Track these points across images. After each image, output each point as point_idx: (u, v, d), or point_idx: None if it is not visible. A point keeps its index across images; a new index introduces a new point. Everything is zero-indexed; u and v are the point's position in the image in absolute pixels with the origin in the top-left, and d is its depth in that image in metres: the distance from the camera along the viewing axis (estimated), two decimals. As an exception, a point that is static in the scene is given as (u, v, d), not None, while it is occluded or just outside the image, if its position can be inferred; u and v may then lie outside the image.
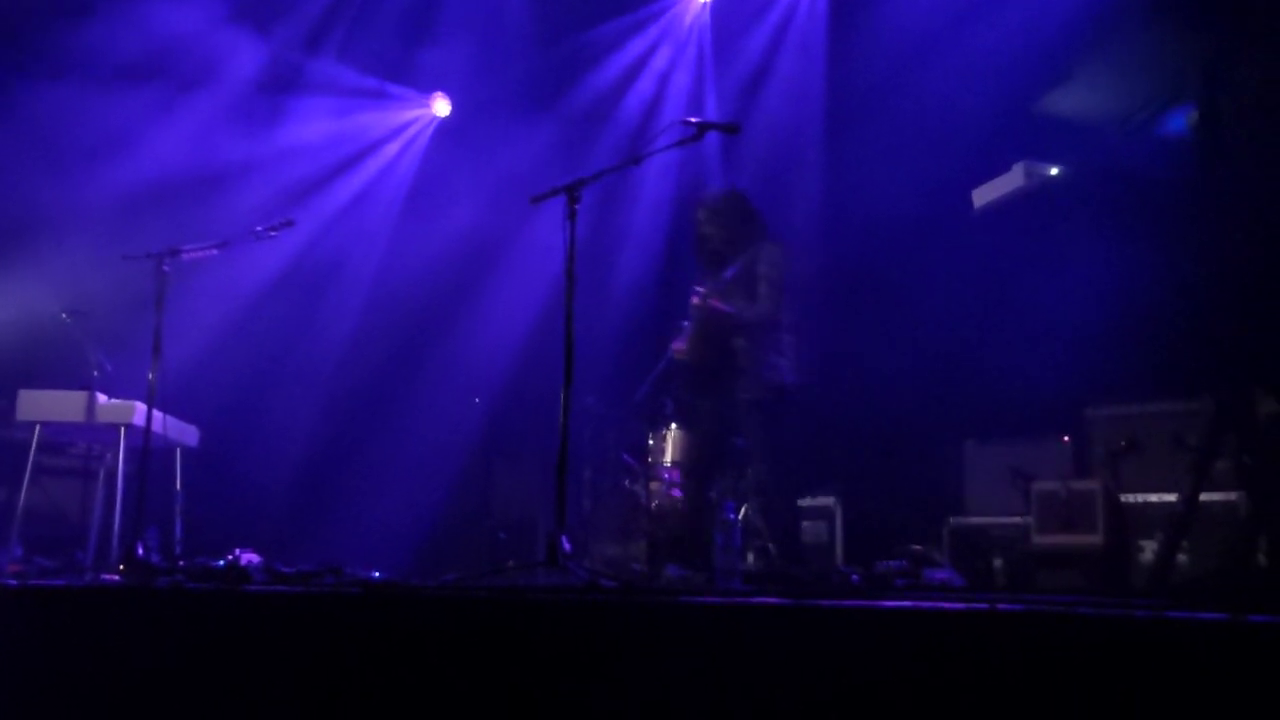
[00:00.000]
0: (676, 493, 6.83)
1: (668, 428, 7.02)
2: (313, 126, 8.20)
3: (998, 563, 5.55)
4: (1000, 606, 2.23)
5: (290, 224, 5.41)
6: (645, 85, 8.23)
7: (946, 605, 2.30)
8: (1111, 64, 6.10)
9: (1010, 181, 6.17)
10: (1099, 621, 2.06)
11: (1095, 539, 5.09)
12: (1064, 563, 5.14)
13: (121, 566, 4.80)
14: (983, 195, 6.30)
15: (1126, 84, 6.03)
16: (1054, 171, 6.16)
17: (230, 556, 5.24)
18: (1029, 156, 6.16)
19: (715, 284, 5.22)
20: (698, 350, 5.29)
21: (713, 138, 5.59)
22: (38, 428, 5.80)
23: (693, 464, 5.50)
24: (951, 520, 5.84)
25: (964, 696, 2.17)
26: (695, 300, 5.20)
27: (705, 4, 8.06)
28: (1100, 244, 5.66)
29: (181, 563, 5.14)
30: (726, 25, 8.01)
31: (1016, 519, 5.54)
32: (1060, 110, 6.32)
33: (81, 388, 5.81)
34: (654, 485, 6.88)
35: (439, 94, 8.58)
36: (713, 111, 7.91)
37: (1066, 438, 5.70)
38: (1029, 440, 5.82)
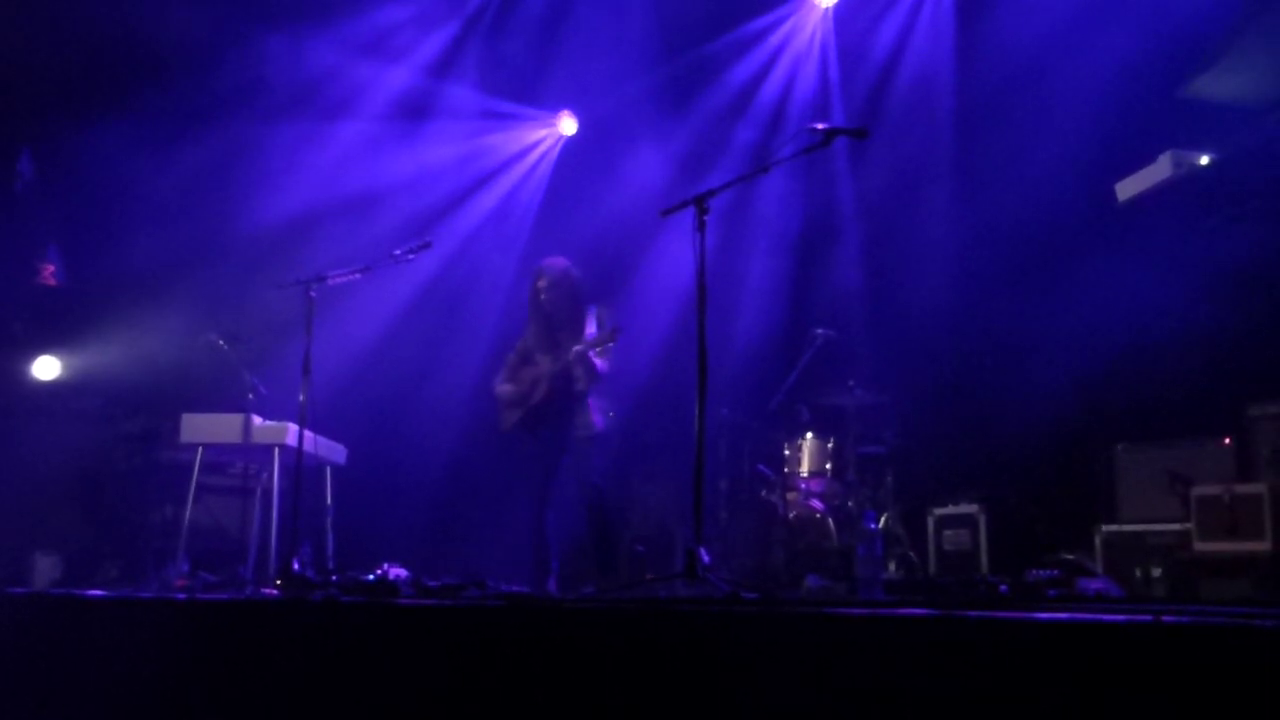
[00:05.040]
0: (815, 503, 6.75)
1: (803, 437, 6.96)
2: (445, 150, 8.45)
3: (1156, 572, 5.31)
4: (1166, 618, 2.12)
5: (428, 246, 5.55)
6: (770, 93, 8.18)
7: (1106, 616, 2.20)
8: (1264, 41, 5.79)
9: (1157, 173, 5.91)
10: (1277, 634, 1.94)
11: (1264, 546, 4.80)
12: (1230, 571, 4.88)
13: (279, 581, 5.01)
14: (1128, 188, 6.05)
15: (1281, 61, 5.74)
16: (1204, 160, 5.87)
17: (379, 571, 5.41)
18: (1176, 146, 5.89)
19: (576, 342, 5.74)
20: (548, 389, 5.83)
21: (841, 143, 5.53)
22: (200, 449, 6.10)
23: None
24: (1104, 527, 5.61)
25: (1127, 715, 2.07)
26: (578, 348, 5.68)
27: (827, 10, 7.97)
28: (1257, 234, 5.36)
29: (334, 577, 5.32)
30: (850, 29, 7.91)
31: (1175, 525, 5.28)
32: (1209, 95, 6.02)
33: (238, 410, 6.08)
34: (791, 495, 6.82)
35: (565, 112, 8.72)
36: (839, 116, 7.81)
37: (1228, 439, 5.41)
38: (1186, 442, 5.55)
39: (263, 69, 7.54)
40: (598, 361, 5.74)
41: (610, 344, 5.63)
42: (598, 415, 5.91)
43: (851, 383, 6.87)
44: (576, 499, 5.89)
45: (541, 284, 5.96)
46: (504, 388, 6.10)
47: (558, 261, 6.07)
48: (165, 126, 7.39)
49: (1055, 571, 4.93)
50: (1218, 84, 5.98)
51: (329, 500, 6.59)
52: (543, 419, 5.89)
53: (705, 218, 4.24)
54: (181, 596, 4.53)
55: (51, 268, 7.78)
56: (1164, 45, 5.91)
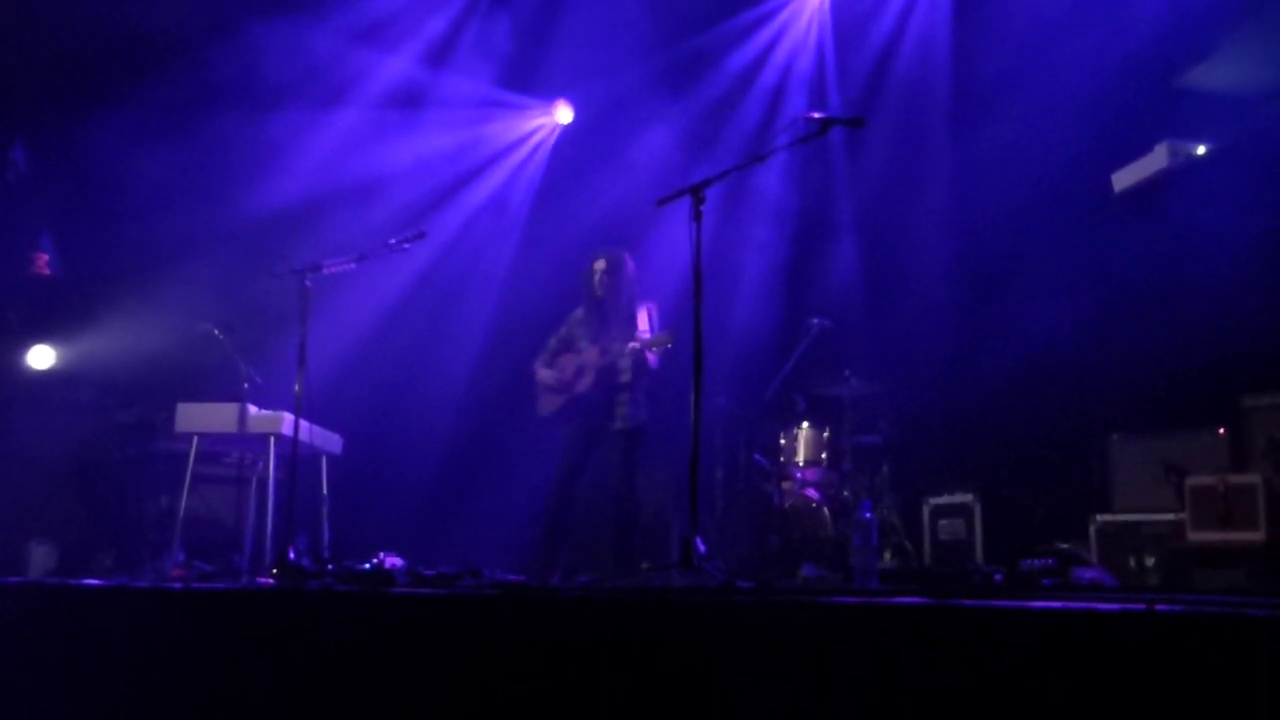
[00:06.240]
0: (810, 493, 6.76)
1: (799, 426, 6.96)
2: (440, 139, 8.41)
3: (1150, 561, 5.32)
4: (1159, 607, 2.12)
5: (422, 235, 5.54)
6: (767, 82, 8.16)
7: (1100, 606, 2.21)
8: (1262, 32, 5.78)
9: (1153, 163, 5.91)
10: (1270, 624, 1.95)
11: (1257, 536, 4.83)
12: (1223, 561, 4.89)
13: (275, 570, 5.00)
14: (1124, 178, 6.05)
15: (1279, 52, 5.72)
16: (1200, 150, 5.87)
17: (375, 560, 5.41)
18: (1172, 136, 5.88)
19: (626, 333, 5.70)
20: (594, 381, 5.78)
21: (836, 132, 5.51)
22: (195, 439, 6.07)
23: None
24: (1098, 517, 5.63)
25: (1120, 703, 2.08)
26: (633, 344, 5.59)
27: (824, -3, 7.96)
28: (1253, 224, 5.36)
29: (330, 566, 5.32)
30: (846, 18, 7.89)
31: (1169, 515, 5.30)
32: (1206, 85, 6.01)
33: (233, 400, 6.06)
34: (786, 485, 6.83)
35: (562, 101, 8.69)
36: (836, 105, 7.80)
37: (1222, 429, 5.42)
38: (1181, 432, 5.57)
39: (256, 58, 7.50)
40: (651, 357, 5.68)
41: (668, 345, 5.52)
42: (640, 409, 5.83)
43: (847, 372, 6.87)
44: (613, 492, 5.78)
45: (599, 266, 5.88)
46: (545, 372, 6.01)
47: (617, 250, 5.99)
48: (159, 116, 7.35)
49: (1049, 561, 4.94)
50: (1214, 73, 5.97)
51: (325, 490, 6.57)
52: (584, 410, 5.82)
53: (701, 207, 4.24)
54: (177, 586, 4.53)
55: (45, 257, 7.75)
56: (1161, 34, 5.90)
